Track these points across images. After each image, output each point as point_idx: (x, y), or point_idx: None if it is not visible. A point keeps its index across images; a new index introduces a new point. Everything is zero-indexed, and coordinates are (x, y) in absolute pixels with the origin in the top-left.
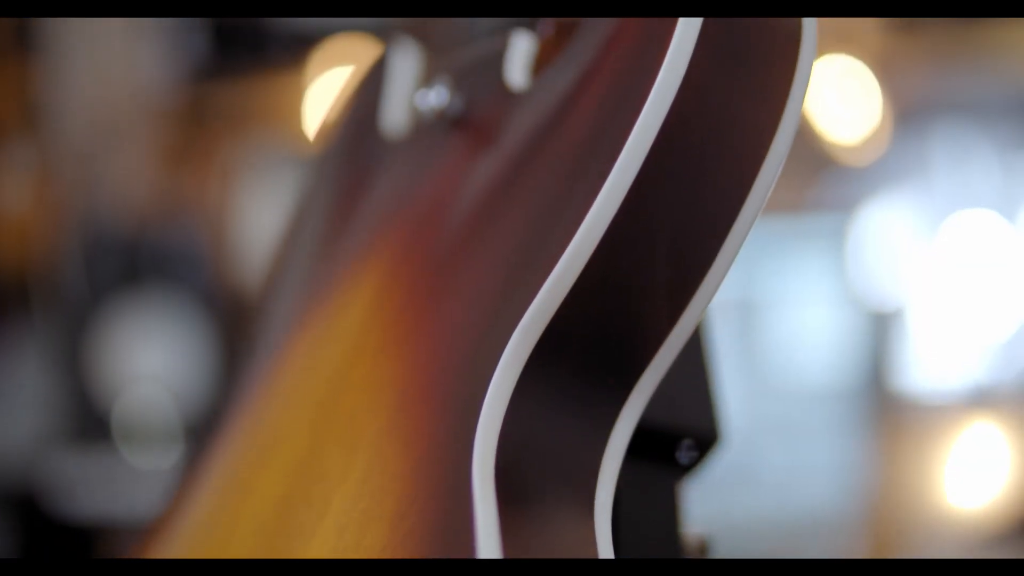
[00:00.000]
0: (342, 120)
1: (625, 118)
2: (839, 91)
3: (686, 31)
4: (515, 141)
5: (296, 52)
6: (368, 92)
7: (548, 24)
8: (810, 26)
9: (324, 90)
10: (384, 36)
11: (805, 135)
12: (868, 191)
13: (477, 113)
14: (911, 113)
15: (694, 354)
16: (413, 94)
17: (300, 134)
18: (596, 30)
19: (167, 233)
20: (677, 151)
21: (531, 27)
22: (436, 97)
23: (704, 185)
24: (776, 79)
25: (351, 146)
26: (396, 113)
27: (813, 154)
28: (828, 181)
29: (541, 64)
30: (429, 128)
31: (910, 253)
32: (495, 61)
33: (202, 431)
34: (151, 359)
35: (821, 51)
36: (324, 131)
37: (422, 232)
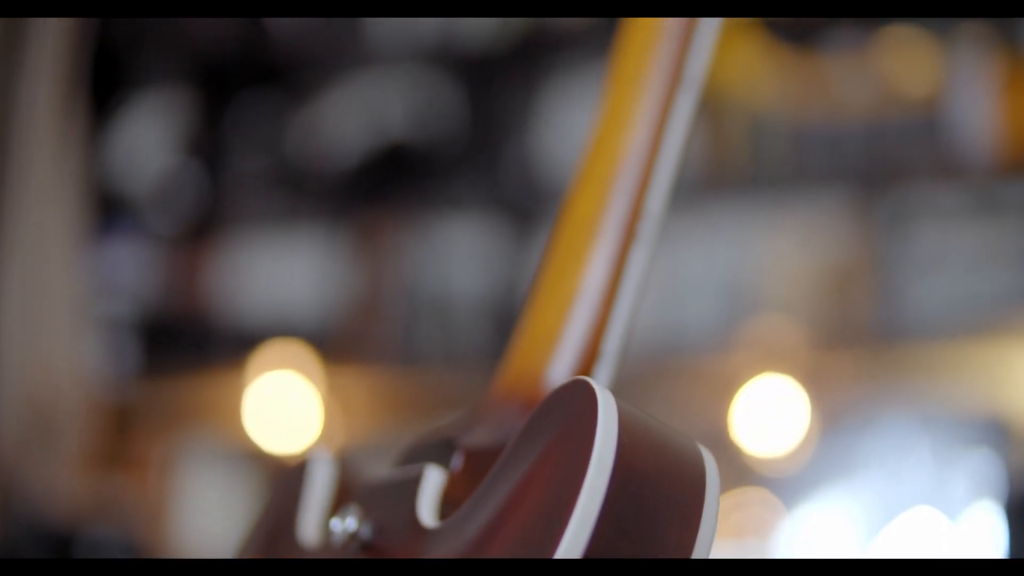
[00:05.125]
0: (263, 519)
1: None
2: (766, 410)
3: (590, 502)
4: None
5: (236, 353)
6: (288, 496)
7: (459, 457)
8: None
9: (263, 390)
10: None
11: (730, 451)
12: (799, 499)
13: (386, 542)
14: (842, 421)
15: None
16: (326, 515)
17: (239, 432)
18: (505, 479)
19: (100, 530)
20: None
21: (444, 462)
22: (347, 525)
23: None
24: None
25: (270, 544)
26: (310, 529)
27: (737, 470)
28: (755, 491)
29: (450, 501)
30: (341, 547)
31: (847, 554)
32: (406, 494)
33: None
34: None
35: (753, 372)
36: (248, 526)
37: None
